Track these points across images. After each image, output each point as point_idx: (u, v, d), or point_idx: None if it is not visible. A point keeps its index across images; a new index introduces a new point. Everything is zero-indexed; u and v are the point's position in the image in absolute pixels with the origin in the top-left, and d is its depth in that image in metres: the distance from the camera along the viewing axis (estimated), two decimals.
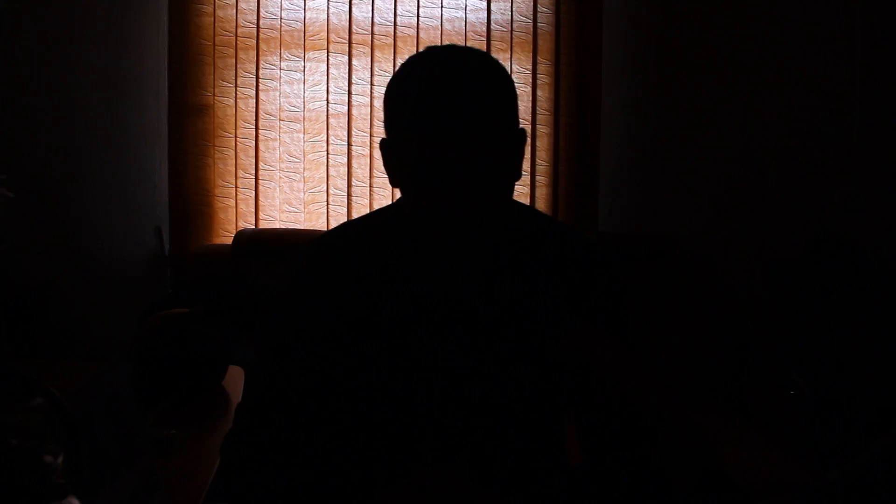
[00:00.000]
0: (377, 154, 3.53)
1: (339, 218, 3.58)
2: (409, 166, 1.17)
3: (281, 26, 3.56)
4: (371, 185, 3.58)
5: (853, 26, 3.38)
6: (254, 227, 3.56)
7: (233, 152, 3.56)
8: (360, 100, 3.59)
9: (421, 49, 1.26)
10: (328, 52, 3.57)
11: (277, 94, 3.58)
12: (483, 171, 1.15)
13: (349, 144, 3.58)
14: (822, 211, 3.44)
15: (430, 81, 1.17)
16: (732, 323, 3.43)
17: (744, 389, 3.20)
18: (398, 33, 3.60)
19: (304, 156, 3.60)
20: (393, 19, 3.59)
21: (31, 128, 3.36)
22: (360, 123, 3.59)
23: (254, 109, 3.56)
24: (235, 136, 3.56)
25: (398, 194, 1.26)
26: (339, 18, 3.58)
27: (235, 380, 1.98)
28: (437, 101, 1.15)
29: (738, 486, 1.19)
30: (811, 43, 3.52)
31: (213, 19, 3.52)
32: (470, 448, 1.22)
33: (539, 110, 3.67)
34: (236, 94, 3.55)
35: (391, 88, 1.23)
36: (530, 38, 3.66)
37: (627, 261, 3.24)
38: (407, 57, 1.25)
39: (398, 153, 1.20)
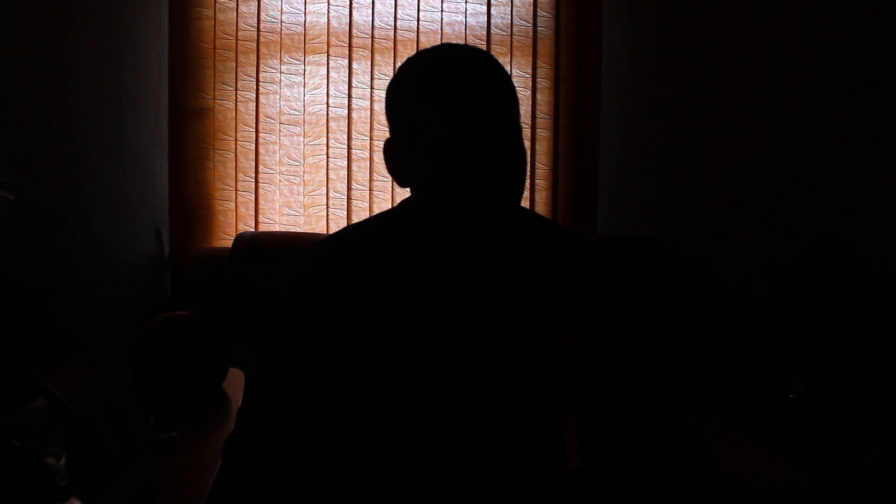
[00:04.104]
0: (377, 157, 3.53)
1: (338, 221, 3.57)
2: (429, 149, 1.17)
3: (281, 30, 3.57)
4: (371, 189, 3.58)
5: (853, 31, 3.39)
6: (253, 230, 3.56)
7: (233, 155, 3.57)
8: (361, 103, 3.59)
9: None
10: (328, 56, 3.57)
11: (277, 97, 3.58)
12: (503, 149, 1.16)
13: (349, 148, 3.58)
14: (822, 214, 3.44)
15: (445, 65, 1.18)
16: (731, 326, 3.43)
17: (743, 393, 3.20)
18: (398, 37, 3.60)
19: (303, 159, 3.60)
20: (393, 23, 3.60)
21: (32, 131, 3.36)
22: (360, 127, 3.59)
23: (254, 113, 3.57)
24: (235, 140, 3.56)
25: (399, 198, 1.26)
26: (340, 22, 3.59)
27: (235, 382, 1.98)
28: (455, 80, 1.16)
29: (738, 490, 1.19)
30: (811, 47, 3.52)
31: (213, 22, 3.52)
32: (470, 449, 1.22)
33: (539, 114, 3.68)
34: (236, 97, 3.55)
35: (397, 85, 1.23)
36: (530, 41, 3.67)
37: (626, 264, 3.24)
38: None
39: (412, 142, 1.20)
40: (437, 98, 1.16)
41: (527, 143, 3.63)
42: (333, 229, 3.53)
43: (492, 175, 1.16)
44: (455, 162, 1.15)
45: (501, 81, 1.19)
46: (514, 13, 3.66)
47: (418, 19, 3.61)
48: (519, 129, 1.22)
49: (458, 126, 1.15)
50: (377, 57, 3.59)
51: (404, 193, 1.29)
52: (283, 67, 3.57)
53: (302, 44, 3.58)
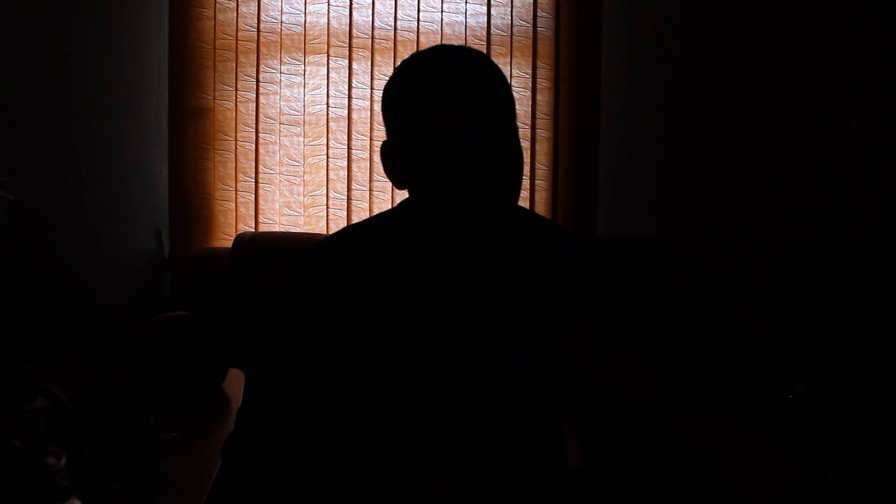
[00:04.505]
0: (377, 157, 3.54)
1: (338, 221, 3.58)
2: (425, 151, 1.17)
3: (281, 30, 3.57)
4: (371, 189, 3.58)
5: (853, 30, 3.39)
6: (253, 230, 3.57)
7: (233, 156, 3.57)
8: (361, 103, 3.60)
9: None
10: (328, 56, 3.58)
11: (278, 97, 3.58)
12: (499, 149, 1.16)
13: (349, 148, 3.59)
14: (822, 215, 3.44)
15: (440, 67, 1.19)
16: (731, 327, 3.43)
17: (742, 393, 3.20)
18: (398, 37, 3.60)
19: (303, 159, 3.60)
20: (393, 23, 3.60)
21: (32, 131, 3.36)
22: (360, 127, 3.60)
23: (254, 113, 3.57)
24: (235, 140, 3.56)
25: (398, 198, 1.27)
26: (340, 22, 3.59)
27: (235, 383, 1.98)
28: (450, 80, 1.16)
29: (737, 489, 1.19)
30: (811, 47, 3.52)
31: (213, 23, 3.52)
32: (470, 449, 1.22)
33: (539, 114, 3.68)
34: (236, 97, 3.55)
35: (394, 85, 1.24)
36: (530, 42, 3.67)
37: (626, 264, 3.24)
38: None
39: (409, 144, 1.20)
40: (432, 100, 1.16)
41: (527, 144, 3.65)
42: (333, 229, 3.53)
43: (486, 176, 1.16)
44: (449, 164, 1.16)
45: (497, 83, 1.19)
46: (514, 14, 3.66)
47: (418, 20, 3.61)
48: (514, 130, 1.22)
49: (452, 128, 1.15)
50: (377, 57, 3.60)
51: (404, 194, 1.30)
52: (283, 68, 3.58)
53: (302, 44, 3.58)
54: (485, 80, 1.18)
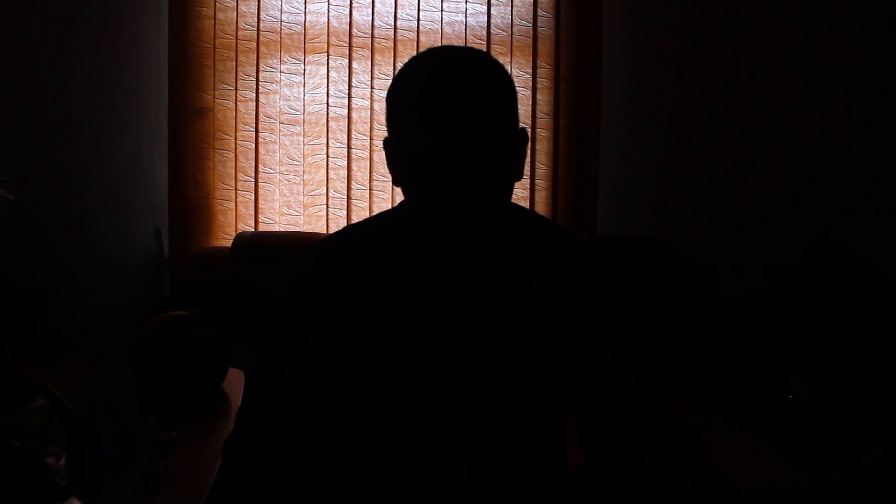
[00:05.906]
0: (377, 157, 3.53)
1: (338, 221, 3.57)
2: (414, 158, 1.17)
3: (281, 29, 3.56)
4: (371, 188, 3.58)
5: (854, 32, 3.39)
6: (253, 229, 3.56)
7: (232, 155, 3.57)
8: (360, 103, 3.59)
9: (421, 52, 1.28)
10: (328, 56, 3.57)
11: (277, 96, 3.58)
12: (486, 162, 1.16)
13: (349, 147, 3.58)
14: (823, 216, 3.44)
15: (434, 74, 1.19)
16: (732, 327, 3.43)
17: (743, 394, 3.20)
18: (398, 37, 3.60)
19: (303, 159, 3.60)
20: (393, 23, 3.60)
21: (32, 131, 3.36)
22: (360, 126, 3.59)
23: (254, 112, 3.56)
24: (235, 139, 3.56)
25: (398, 198, 1.27)
26: (340, 21, 3.58)
27: (235, 382, 1.98)
28: (441, 91, 1.16)
29: (738, 490, 1.19)
30: (812, 47, 3.53)
31: (213, 22, 3.52)
32: (471, 450, 1.22)
33: (539, 114, 3.67)
34: (236, 96, 3.55)
35: (395, 86, 1.24)
36: (530, 41, 3.66)
37: (626, 264, 3.24)
38: (407, 60, 1.26)
39: (402, 148, 1.20)
40: (418, 108, 1.16)
41: None
42: (333, 229, 3.52)
43: (467, 182, 1.15)
44: (428, 171, 1.16)
45: (496, 89, 1.19)
46: (514, 13, 3.65)
47: (418, 19, 3.61)
48: (512, 127, 1.21)
49: (430, 138, 1.15)
50: (377, 57, 3.59)
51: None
52: (283, 67, 3.57)
53: (302, 43, 3.57)
54: (483, 88, 1.18)
